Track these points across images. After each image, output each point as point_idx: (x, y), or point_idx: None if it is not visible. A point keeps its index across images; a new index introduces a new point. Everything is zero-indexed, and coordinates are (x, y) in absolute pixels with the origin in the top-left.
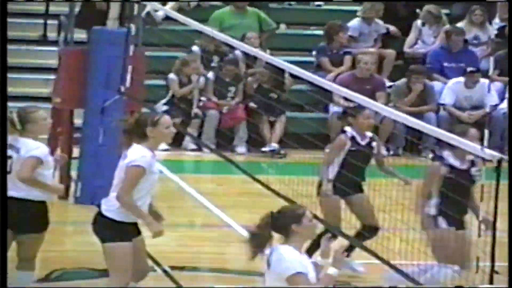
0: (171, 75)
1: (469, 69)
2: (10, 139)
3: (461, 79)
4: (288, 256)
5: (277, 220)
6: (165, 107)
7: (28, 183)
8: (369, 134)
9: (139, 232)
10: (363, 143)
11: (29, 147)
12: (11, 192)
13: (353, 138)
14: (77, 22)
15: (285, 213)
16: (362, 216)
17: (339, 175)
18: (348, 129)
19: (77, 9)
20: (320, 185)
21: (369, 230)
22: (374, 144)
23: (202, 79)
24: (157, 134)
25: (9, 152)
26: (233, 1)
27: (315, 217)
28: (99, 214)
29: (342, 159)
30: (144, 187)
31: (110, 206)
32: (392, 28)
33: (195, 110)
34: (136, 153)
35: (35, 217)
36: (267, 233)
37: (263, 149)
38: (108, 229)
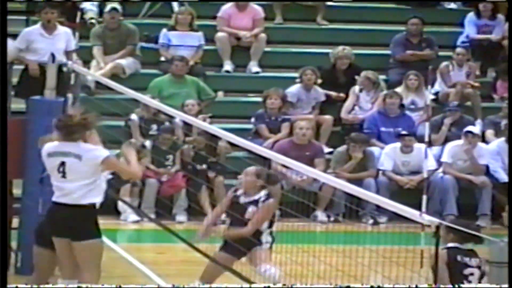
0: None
1: (402, 132)
2: None
3: (398, 144)
4: None
5: None
6: None
7: None
8: None
9: None
10: None
11: None
12: None
13: None
14: (15, 92)
15: None
16: None
17: None
18: None
19: (15, 79)
20: None
21: None
22: None
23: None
24: None
25: None
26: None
27: None
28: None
29: None
30: None
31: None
32: (332, 93)
33: None
34: None
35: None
36: None
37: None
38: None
